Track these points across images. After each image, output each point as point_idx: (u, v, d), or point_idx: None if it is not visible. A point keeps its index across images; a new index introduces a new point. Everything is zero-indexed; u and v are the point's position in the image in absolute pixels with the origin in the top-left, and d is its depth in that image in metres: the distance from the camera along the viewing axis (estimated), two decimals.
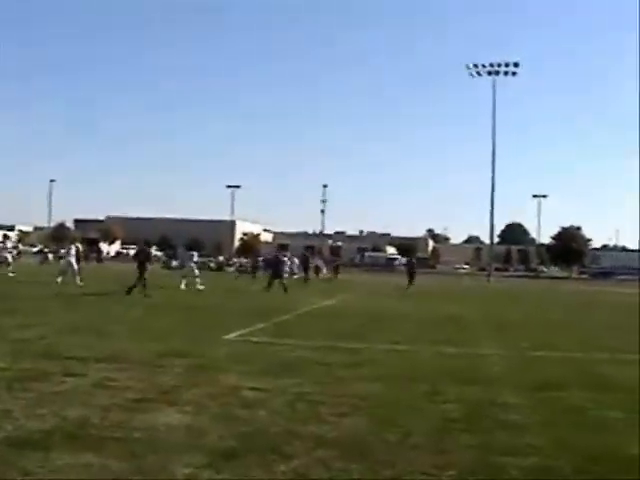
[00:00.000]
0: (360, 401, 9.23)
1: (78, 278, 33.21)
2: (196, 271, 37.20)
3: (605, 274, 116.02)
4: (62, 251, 44.20)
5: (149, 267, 30.04)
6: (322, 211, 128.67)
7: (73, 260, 34.33)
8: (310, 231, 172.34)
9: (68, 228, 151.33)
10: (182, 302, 25.41)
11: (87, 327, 16.02)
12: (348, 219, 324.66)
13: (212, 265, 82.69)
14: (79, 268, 34.59)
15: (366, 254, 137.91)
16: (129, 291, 27.35)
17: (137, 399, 8.79)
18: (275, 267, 38.23)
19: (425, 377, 11.24)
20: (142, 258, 29.78)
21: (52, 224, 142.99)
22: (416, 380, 10.94)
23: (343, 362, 12.49)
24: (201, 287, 35.24)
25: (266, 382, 10.28)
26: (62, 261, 36.71)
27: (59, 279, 32.79)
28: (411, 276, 46.84)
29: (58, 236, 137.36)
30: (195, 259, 38.96)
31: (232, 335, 15.77)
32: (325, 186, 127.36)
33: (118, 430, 7.28)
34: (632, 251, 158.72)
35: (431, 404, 9.29)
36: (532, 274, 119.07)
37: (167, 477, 5.91)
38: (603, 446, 7.41)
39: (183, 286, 35.04)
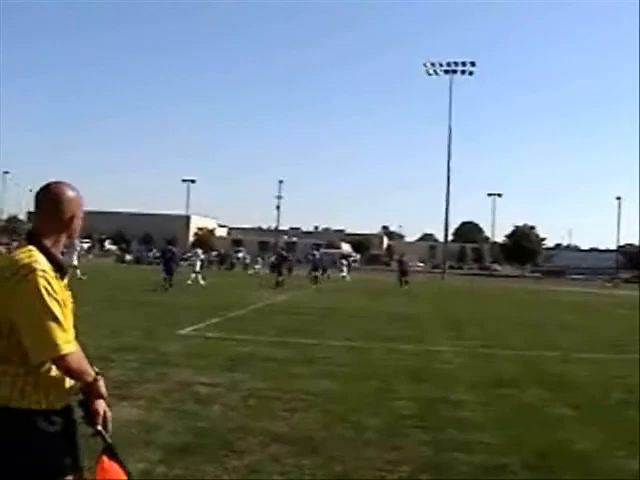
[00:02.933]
0: (312, 397, 9.27)
1: None
2: (198, 267, 39.16)
3: (557, 273, 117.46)
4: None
5: (174, 266, 32.46)
6: (277, 207, 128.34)
7: None
8: (265, 227, 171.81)
9: (21, 221, 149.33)
10: (138, 298, 25.19)
11: None
12: (303, 215, 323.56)
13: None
14: None
15: (321, 250, 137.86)
16: (165, 288, 29.94)
17: None
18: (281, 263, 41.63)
19: (378, 374, 11.31)
20: (168, 257, 32.71)
21: (4, 216, 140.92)
22: (369, 377, 11.01)
23: (295, 358, 12.53)
24: (203, 282, 36.83)
25: (219, 377, 10.29)
26: None
27: None
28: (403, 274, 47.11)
29: (11, 229, 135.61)
30: (201, 257, 41.60)
31: (186, 330, 15.73)
32: (281, 182, 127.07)
33: None
34: (584, 251, 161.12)
35: (384, 401, 9.35)
36: (486, 272, 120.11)
37: None
38: (553, 442, 7.55)
39: (189, 281, 36.38)
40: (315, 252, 50.45)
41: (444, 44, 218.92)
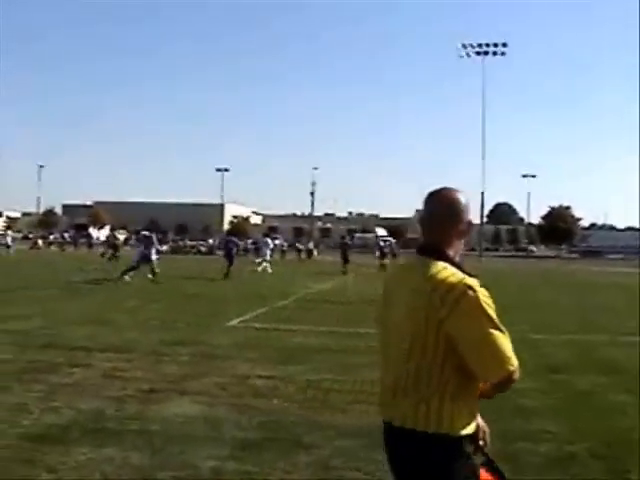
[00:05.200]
0: (371, 388, 9.21)
1: None
2: (268, 257, 40.91)
3: (594, 253, 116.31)
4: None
5: (235, 255, 33.68)
6: (312, 193, 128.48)
7: None
8: (299, 213, 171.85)
9: (56, 214, 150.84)
10: (180, 289, 25.31)
11: (87, 317, 15.95)
12: (337, 201, 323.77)
13: (202, 249, 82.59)
14: None
15: (355, 235, 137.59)
16: (226, 276, 31.33)
17: (148, 390, 8.79)
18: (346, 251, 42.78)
19: None
20: (230, 247, 34.06)
21: (41, 210, 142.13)
22: None
23: (348, 348, 12.51)
24: (270, 270, 38.26)
25: (274, 370, 10.31)
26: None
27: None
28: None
29: (47, 221, 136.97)
30: (270, 246, 43.25)
31: (234, 322, 15.77)
32: (315, 168, 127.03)
33: (134, 422, 7.28)
34: (621, 230, 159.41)
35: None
36: (523, 254, 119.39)
37: (191, 471, 5.90)
38: (616, 430, 7.46)
39: (268, 269, 38.58)
40: (345, 239, 50.29)
41: (475, 25, 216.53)
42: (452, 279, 2.96)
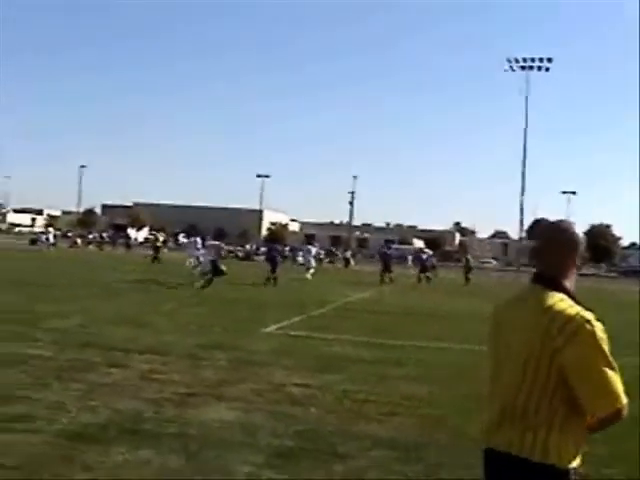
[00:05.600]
0: (407, 401, 9.19)
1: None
2: (313, 263, 41.81)
3: (635, 272, 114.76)
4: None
5: (279, 262, 33.84)
6: (350, 202, 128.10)
7: None
8: (337, 222, 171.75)
9: (96, 213, 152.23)
10: (216, 294, 25.35)
11: (126, 317, 16.04)
12: (375, 211, 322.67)
13: (240, 254, 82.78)
14: None
15: (393, 246, 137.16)
16: (266, 283, 31.42)
17: (185, 393, 8.82)
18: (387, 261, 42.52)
19: (472, 377, 11.13)
20: (273, 254, 34.18)
21: (81, 209, 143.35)
22: (463, 380, 10.85)
23: (384, 359, 12.45)
24: (310, 277, 38.88)
25: (310, 378, 10.29)
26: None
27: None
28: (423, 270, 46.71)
29: (86, 221, 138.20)
30: (313, 253, 43.67)
31: (270, 328, 15.76)
32: (355, 177, 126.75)
33: (171, 425, 7.30)
34: None
35: (480, 407, 9.19)
36: None
37: (227, 477, 5.90)
38: None
39: (309, 276, 39.15)
40: (385, 248, 50.03)
41: (520, 40, 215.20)
42: (570, 311, 3.00)
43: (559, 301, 3.05)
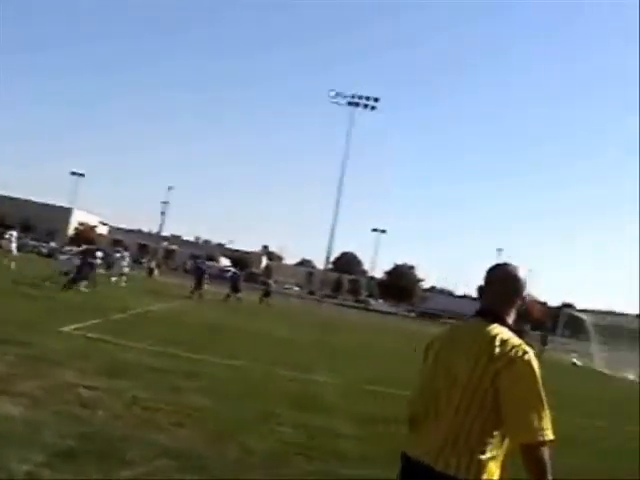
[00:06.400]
0: (197, 412, 9.22)
1: None
2: (126, 270, 41.60)
3: (431, 315, 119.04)
4: None
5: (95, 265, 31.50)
6: (162, 212, 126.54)
7: None
8: (146, 230, 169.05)
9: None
10: (15, 289, 24.40)
11: None
12: (187, 224, 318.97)
13: (43, 250, 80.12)
14: None
15: (198, 262, 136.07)
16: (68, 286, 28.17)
17: None
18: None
19: (262, 396, 11.35)
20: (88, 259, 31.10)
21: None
22: (253, 398, 11.05)
23: (178, 370, 12.41)
24: (124, 284, 38.52)
25: (102, 381, 10.12)
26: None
27: None
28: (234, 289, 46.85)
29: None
30: (127, 259, 43.19)
31: (67, 328, 15.31)
32: (170, 188, 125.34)
33: None
34: (458, 297, 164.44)
35: (268, 425, 9.37)
36: (361, 305, 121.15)
37: (3, 474, 5.71)
38: None
39: (122, 282, 38.93)
40: (200, 263, 49.71)
41: (351, 76, 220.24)
42: (513, 340, 3.34)
43: (503, 331, 3.39)
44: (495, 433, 3.26)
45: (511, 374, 3.21)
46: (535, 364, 3.26)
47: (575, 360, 43.39)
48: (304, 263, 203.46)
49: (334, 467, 7.80)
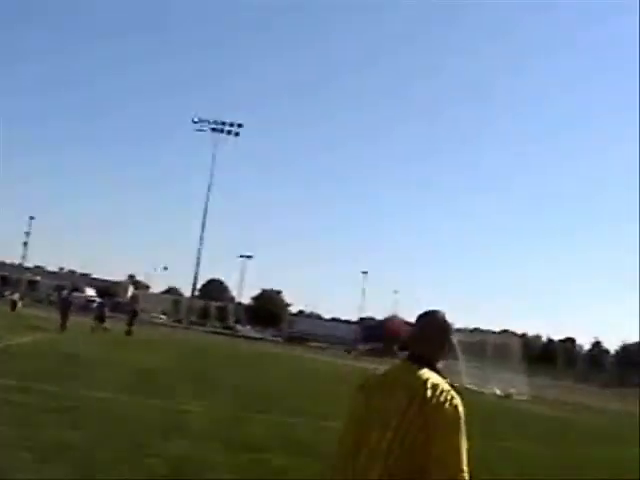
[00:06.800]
0: (63, 448, 8.91)
1: None
2: None
3: (299, 339, 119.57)
4: None
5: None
6: (25, 243, 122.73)
7: None
8: (8, 261, 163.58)
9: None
10: None
11: None
12: (50, 255, 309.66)
13: None
14: None
15: (63, 293, 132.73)
16: None
17: None
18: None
19: (129, 429, 11.10)
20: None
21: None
22: (120, 431, 10.80)
23: (41, 405, 12.02)
24: None
25: None
26: None
27: None
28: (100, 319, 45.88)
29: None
30: None
31: None
32: (32, 218, 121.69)
33: None
34: (326, 320, 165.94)
35: (136, 457, 9.15)
36: (229, 332, 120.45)
37: None
38: None
39: None
40: (66, 294, 48.52)
41: (215, 102, 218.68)
42: (444, 385, 3.53)
43: (434, 376, 3.58)
44: (421, 474, 3.40)
45: (440, 418, 3.40)
46: (461, 409, 3.46)
47: None
48: (171, 291, 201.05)
49: None
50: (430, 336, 3.76)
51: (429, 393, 3.45)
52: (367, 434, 3.56)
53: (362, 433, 3.59)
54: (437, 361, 3.72)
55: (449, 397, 3.46)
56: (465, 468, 3.38)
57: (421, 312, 3.89)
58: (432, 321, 3.81)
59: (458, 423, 3.43)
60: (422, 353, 3.72)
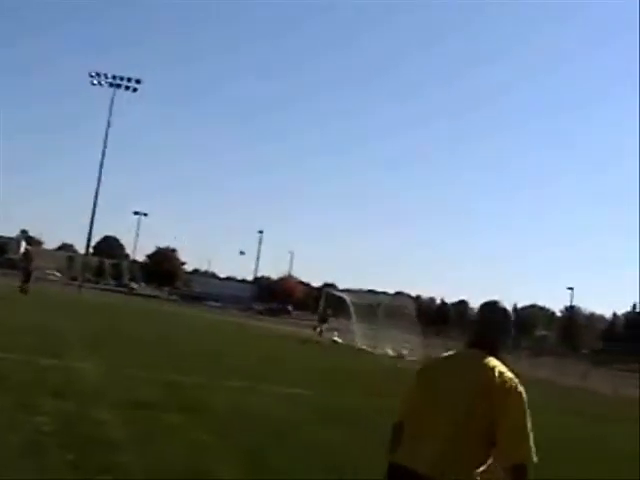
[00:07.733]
0: None
1: None
2: None
3: (195, 298, 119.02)
4: None
5: None
6: None
7: None
8: None
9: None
10: None
11: None
12: None
13: None
14: None
15: None
16: None
17: None
18: None
19: (16, 387, 10.81)
20: None
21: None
22: (5, 389, 10.47)
23: None
24: None
25: None
26: None
27: None
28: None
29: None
30: None
31: None
32: None
33: None
34: (222, 279, 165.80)
35: (23, 416, 8.92)
36: (124, 290, 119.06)
37: None
38: (194, 468, 7.68)
39: None
40: None
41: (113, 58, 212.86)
42: (509, 373, 3.85)
43: (500, 364, 3.87)
44: (485, 456, 3.73)
45: (507, 405, 3.70)
46: (525, 396, 3.75)
47: (336, 338, 44.64)
48: (64, 247, 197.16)
49: (95, 455, 7.55)
50: (493, 326, 4.04)
51: (495, 381, 3.74)
52: (433, 417, 3.81)
53: (430, 413, 3.84)
54: (501, 349, 4.01)
55: (514, 384, 3.77)
56: (533, 450, 3.63)
57: (483, 302, 4.17)
58: (497, 310, 4.08)
59: (524, 409, 3.70)
60: (487, 340, 3.99)
